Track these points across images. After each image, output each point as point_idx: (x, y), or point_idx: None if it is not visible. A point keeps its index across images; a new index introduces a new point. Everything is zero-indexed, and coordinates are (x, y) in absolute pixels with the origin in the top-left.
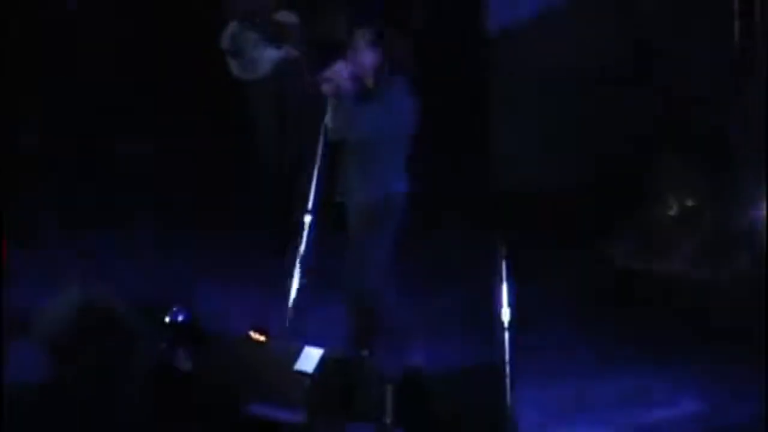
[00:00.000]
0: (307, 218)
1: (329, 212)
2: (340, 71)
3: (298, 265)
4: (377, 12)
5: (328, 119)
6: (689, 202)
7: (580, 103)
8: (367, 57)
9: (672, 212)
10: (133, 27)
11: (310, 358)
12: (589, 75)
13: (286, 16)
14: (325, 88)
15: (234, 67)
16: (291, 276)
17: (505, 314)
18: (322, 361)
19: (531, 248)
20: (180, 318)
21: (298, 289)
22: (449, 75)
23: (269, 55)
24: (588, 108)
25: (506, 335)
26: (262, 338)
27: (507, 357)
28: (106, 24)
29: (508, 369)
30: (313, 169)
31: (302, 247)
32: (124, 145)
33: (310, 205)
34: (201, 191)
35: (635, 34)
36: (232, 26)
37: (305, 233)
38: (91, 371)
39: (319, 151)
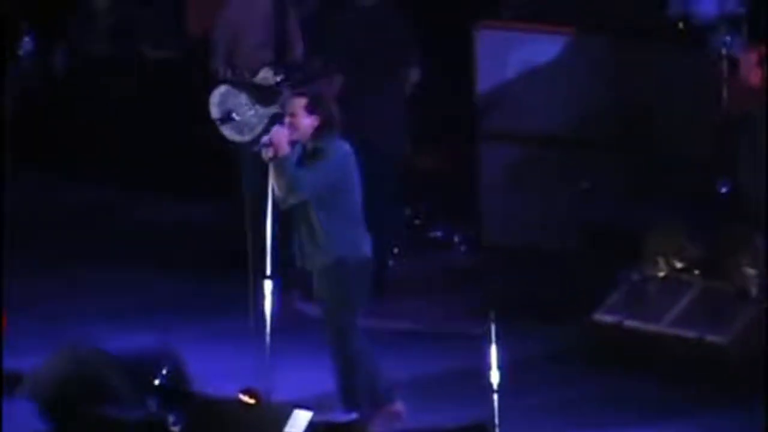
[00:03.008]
0: (267, 284)
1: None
2: (278, 135)
3: (267, 329)
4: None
5: (274, 186)
6: (679, 264)
7: (570, 166)
8: (306, 122)
9: (662, 273)
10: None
11: (299, 421)
12: (577, 137)
13: (269, 75)
14: (265, 153)
15: (227, 131)
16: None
17: (494, 376)
18: (311, 425)
19: (521, 306)
20: (169, 380)
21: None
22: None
23: (259, 114)
24: (578, 170)
25: (495, 397)
26: (252, 401)
27: (496, 419)
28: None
29: (497, 431)
30: (265, 235)
31: (267, 312)
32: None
33: (268, 271)
34: (193, 248)
35: (624, 98)
36: (218, 93)
37: (268, 299)
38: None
39: (269, 217)
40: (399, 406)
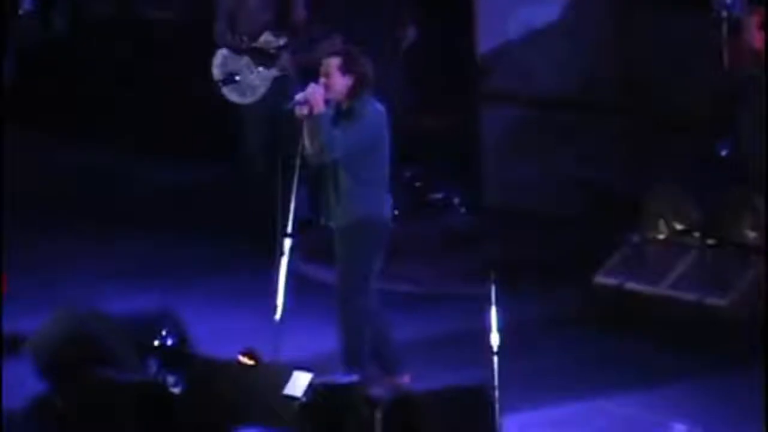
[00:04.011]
0: (287, 241)
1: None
2: (314, 93)
3: (281, 288)
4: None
5: (305, 143)
6: (679, 226)
7: (574, 129)
8: (341, 82)
9: (662, 236)
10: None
11: (299, 382)
12: (578, 99)
13: (270, 39)
14: (300, 110)
15: (229, 93)
16: (275, 299)
17: (494, 338)
18: (311, 386)
19: (521, 269)
20: (169, 342)
21: (282, 312)
22: (441, 99)
23: (262, 76)
24: (578, 132)
25: (495, 359)
26: (251, 362)
27: (496, 381)
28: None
29: (496, 393)
30: (291, 192)
31: (283, 270)
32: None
33: (289, 229)
34: (193, 211)
35: (625, 61)
36: (221, 55)
37: (286, 256)
38: (83, 395)
39: (297, 174)
40: (406, 378)
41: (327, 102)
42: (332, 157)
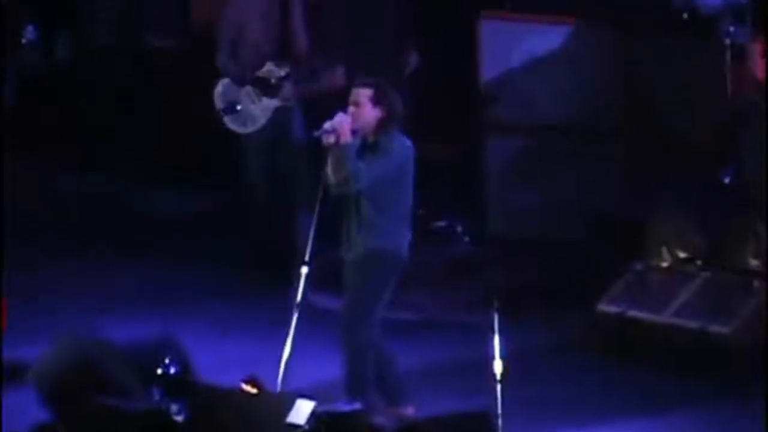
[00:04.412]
0: (304, 269)
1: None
2: (342, 123)
3: (295, 315)
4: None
5: (329, 172)
6: (682, 254)
7: (577, 157)
8: (370, 113)
9: (666, 264)
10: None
11: (302, 410)
12: (582, 128)
13: (272, 69)
14: (326, 139)
15: (230, 122)
16: (288, 326)
17: (497, 366)
18: (314, 414)
19: (524, 297)
20: (172, 370)
21: (293, 339)
22: (444, 128)
23: (264, 106)
24: (582, 160)
25: (498, 387)
26: (254, 390)
27: (499, 409)
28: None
29: (500, 421)
30: (310, 221)
31: (299, 298)
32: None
33: (307, 257)
34: (193, 239)
35: (628, 89)
36: (223, 84)
37: (302, 284)
38: (86, 423)
39: (318, 203)
40: (410, 409)
41: (354, 132)
42: (355, 188)
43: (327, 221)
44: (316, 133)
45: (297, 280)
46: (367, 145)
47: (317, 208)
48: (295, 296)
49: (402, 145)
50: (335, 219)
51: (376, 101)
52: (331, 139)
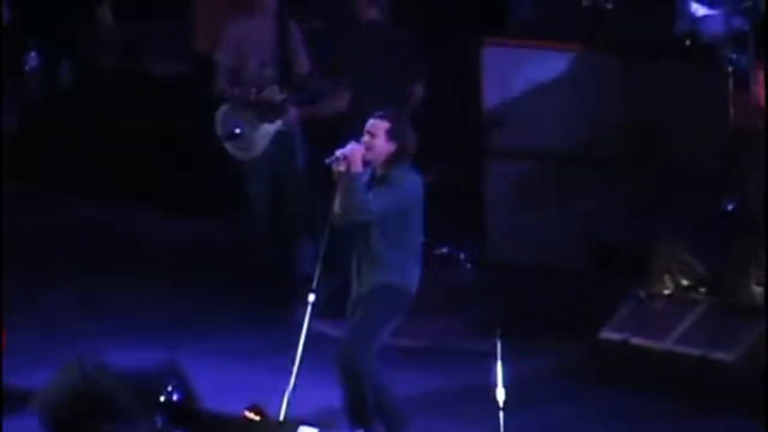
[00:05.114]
0: (311, 297)
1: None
2: (354, 151)
3: (301, 344)
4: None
5: (336, 201)
6: (685, 282)
7: (576, 184)
8: (384, 146)
9: (668, 291)
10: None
11: None
12: (584, 155)
13: (273, 93)
14: (336, 166)
15: (231, 149)
16: (293, 353)
17: (500, 394)
18: None
19: (526, 324)
20: (175, 397)
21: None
22: (446, 153)
23: (264, 131)
24: (584, 188)
25: (501, 414)
26: (257, 418)
27: None
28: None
29: None
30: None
31: (305, 326)
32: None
33: (314, 284)
34: (196, 265)
35: (630, 116)
36: (223, 110)
37: (309, 311)
38: None
39: (326, 231)
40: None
41: (366, 163)
42: (363, 218)
43: (331, 250)
44: (328, 161)
45: (299, 306)
46: (376, 178)
47: (326, 237)
48: (299, 323)
49: (412, 179)
50: (339, 248)
51: (391, 135)
52: (342, 167)
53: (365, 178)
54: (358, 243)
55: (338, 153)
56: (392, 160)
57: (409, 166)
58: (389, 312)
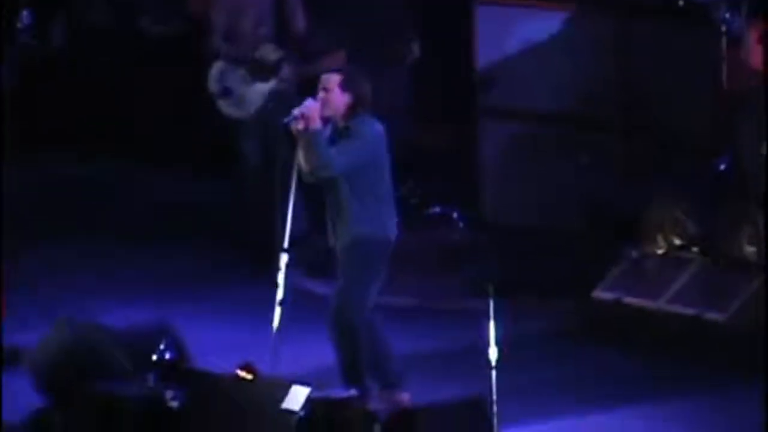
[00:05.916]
0: (284, 257)
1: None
2: (311, 109)
3: (277, 304)
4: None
5: (300, 160)
6: (678, 241)
7: (569, 143)
8: (339, 99)
9: (661, 251)
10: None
11: (297, 396)
12: (577, 115)
13: (269, 52)
14: (295, 125)
15: (224, 107)
16: (272, 314)
17: (492, 353)
18: (310, 400)
19: (519, 283)
20: (167, 356)
21: (279, 326)
22: (439, 113)
23: (258, 90)
24: (577, 148)
25: (493, 373)
26: (249, 376)
27: (494, 395)
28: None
29: (494, 407)
30: (287, 208)
31: (280, 287)
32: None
33: (285, 244)
34: (191, 224)
35: (624, 76)
36: (217, 67)
37: (282, 272)
38: (81, 409)
39: (292, 191)
40: (405, 395)
41: (325, 120)
42: (328, 174)
43: (316, 207)
44: (285, 120)
45: (278, 267)
46: (338, 131)
47: (292, 195)
48: (277, 284)
49: (373, 130)
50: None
51: (345, 87)
52: (300, 125)
53: (326, 133)
54: (328, 197)
55: (295, 111)
56: (350, 111)
57: (369, 115)
58: (371, 264)
